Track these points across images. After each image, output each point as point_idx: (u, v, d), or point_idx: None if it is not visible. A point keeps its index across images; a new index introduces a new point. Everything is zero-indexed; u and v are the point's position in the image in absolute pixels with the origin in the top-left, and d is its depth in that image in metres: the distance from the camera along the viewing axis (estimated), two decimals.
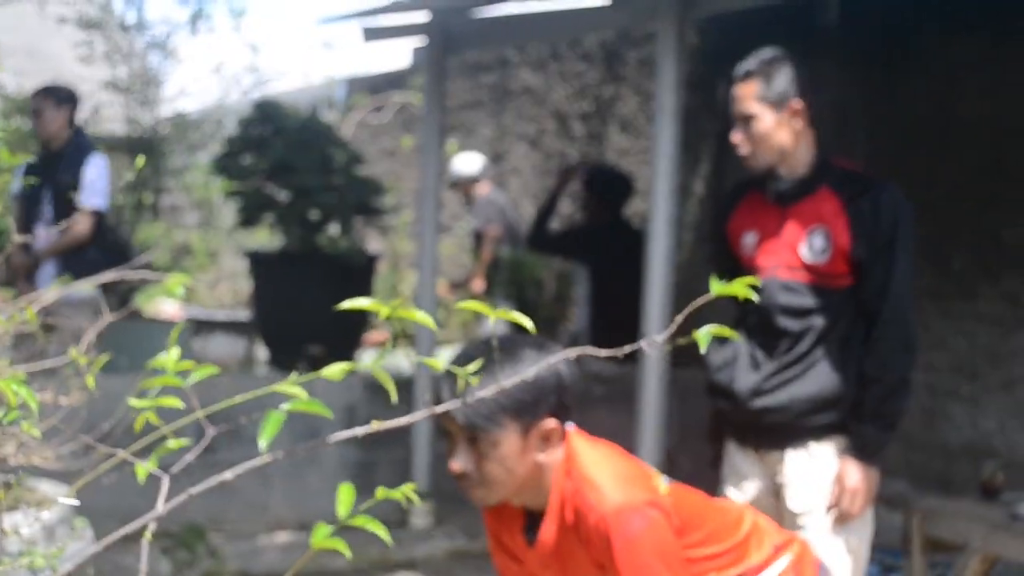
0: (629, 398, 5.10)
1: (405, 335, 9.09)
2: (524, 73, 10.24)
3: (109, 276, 2.95)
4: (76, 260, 6.70)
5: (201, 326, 8.96)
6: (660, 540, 2.51)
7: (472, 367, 2.25)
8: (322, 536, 1.48)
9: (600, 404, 6.01)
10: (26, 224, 6.79)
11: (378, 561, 5.89)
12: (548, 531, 2.62)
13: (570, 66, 9.71)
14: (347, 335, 7.79)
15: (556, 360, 2.40)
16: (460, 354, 2.64)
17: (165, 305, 11.62)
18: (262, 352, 8.78)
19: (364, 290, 7.96)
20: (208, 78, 13.22)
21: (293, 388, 1.63)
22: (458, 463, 2.56)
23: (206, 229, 11.98)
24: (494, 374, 2.37)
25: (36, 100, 7.06)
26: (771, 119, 3.62)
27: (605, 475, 2.58)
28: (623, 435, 5.10)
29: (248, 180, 8.03)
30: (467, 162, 9.50)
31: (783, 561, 2.77)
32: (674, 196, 4.87)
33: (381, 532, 1.51)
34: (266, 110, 8.33)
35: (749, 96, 3.63)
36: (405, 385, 6.86)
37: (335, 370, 1.64)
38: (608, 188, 7.52)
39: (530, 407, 2.54)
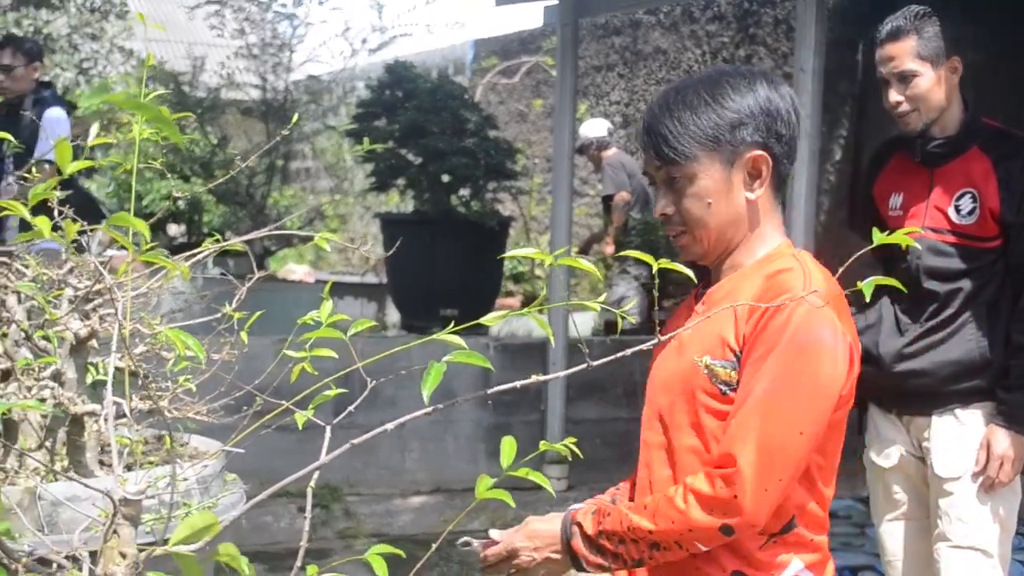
0: None
1: (535, 298, 9.10)
2: (656, 35, 10.14)
3: (250, 236, 2.99)
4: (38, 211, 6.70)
5: (331, 289, 9.07)
6: (827, 377, 2.16)
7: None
8: (485, 488, 1.48)
9: None
10: None
11: (513, 523, 5.91)
12: (726, 283, 2.32)
13: (703, 27, 9.60)
14: (479, 298, 7.82)
15: (762, 86, 2.26)
16: (667, 90, 2.36)
17: (294, 268, 11.79)
18: (392, 315, 8.87)
19: (496, 253, 7.98)
20: (336, 41, 13.32)
21: (452, 338, 1.62)
22: (659, 205, 2.33)
23: (337, 193, 12.11)
24: (691, 104, 2.25)
25: (6, 55, 7.05)
26: (931, 76, 3.53)
27: (822, 279, 2.24)
28: None
29: (380, 143, 8.09)
30: (594, 127, 9.45)
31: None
32: (815, 159, 4.79)
33: (545, 484, 1.52)
34: (397, 73, 8.38)
35: (906, 53, 3.54)
36: (538, 349, 6.86)
37: (493, 317, 1.64)
38: None
39: (728, 136, 2.24)
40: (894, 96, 3.58)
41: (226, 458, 2.59)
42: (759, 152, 2.25)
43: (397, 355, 1.78)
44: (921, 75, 3.52)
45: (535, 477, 1.51)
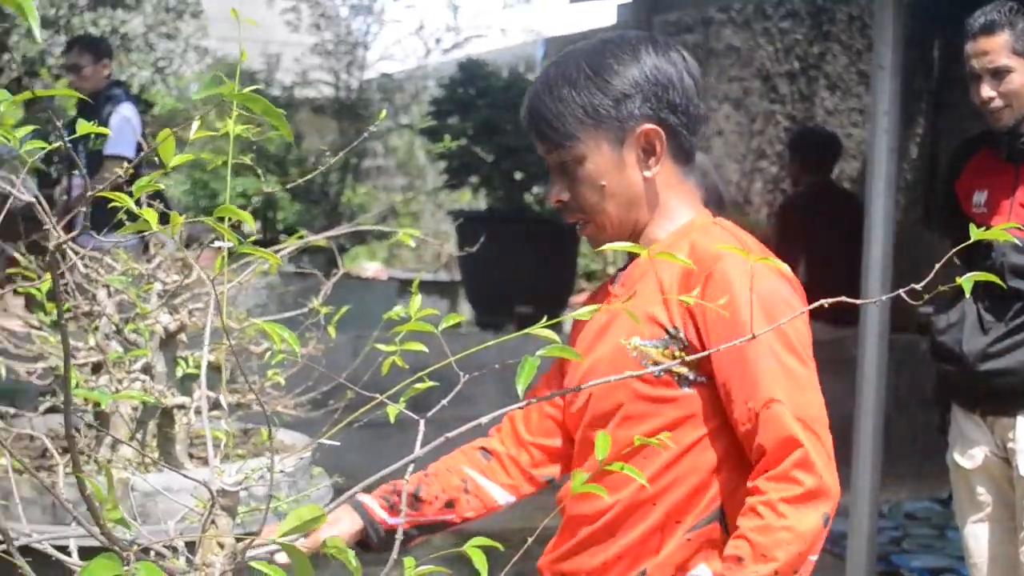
0: (843, 363, 4.99)
1: None
2: (727, 32, 10.09)
3: (334, 232, 3.02)
4: (102, 208, 6.81)
5: (405, 286, 9.12)
6: (802, 326, 1.99)
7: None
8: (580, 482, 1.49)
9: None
10: (68, 175, 6.97)
11: None
12: (642, 261, 2.12)
13: (776, 24, 9.53)
14: (554, 296, 7.82)
15: (648, 54, 2.08)
16: (549, 65, 2.18)
17: (367, 265, 11.86)
18: (465, 312, 8.89)
19: (571, 251, 7.99)
20: (410, 39, 13.39)
21: (545, 332, 1.62)
22: (552, 192, 2.16)
23: (408, 191, 12.17)
24: (571, 80, 2.08)
25: (73, 55, 7.11)
26: None
27: (754, 241, 2.10)
28: (839, 402, 5.02)
29: (453, 141, 8.11)
30: None
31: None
32: (893, 156, 4.74)
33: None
34: (470, 70, 8.40)
35: (1000, 48, 3.48)
36: None
37: (584, 311, 1.62)
38: (815, 149, 7.34)
39: (613, 112, 2.07)
40: (986, 92, 3.52)
41: (311, 453, 2.62)
42: (650, 126, 2.08)
43: (473, 352, 1.78)
44: (1015, 71, 3.47)
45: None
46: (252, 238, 1.59)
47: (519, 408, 2.15)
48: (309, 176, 2.63)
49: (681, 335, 2.00)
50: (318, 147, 9.58)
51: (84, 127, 1.25)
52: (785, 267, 1.81)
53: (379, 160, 12.96)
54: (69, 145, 1.26)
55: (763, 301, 1.93)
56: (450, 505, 2.22)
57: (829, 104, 8.96)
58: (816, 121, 8.84)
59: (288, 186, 2.89)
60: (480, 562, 1.40)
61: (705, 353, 1.92)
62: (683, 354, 1.97)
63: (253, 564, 1.36)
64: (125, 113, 6.90)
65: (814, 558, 1.90)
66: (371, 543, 2.16)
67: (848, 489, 4.50)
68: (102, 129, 1.28)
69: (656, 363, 2.00)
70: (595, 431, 1.98)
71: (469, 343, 1.79)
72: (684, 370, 2.01)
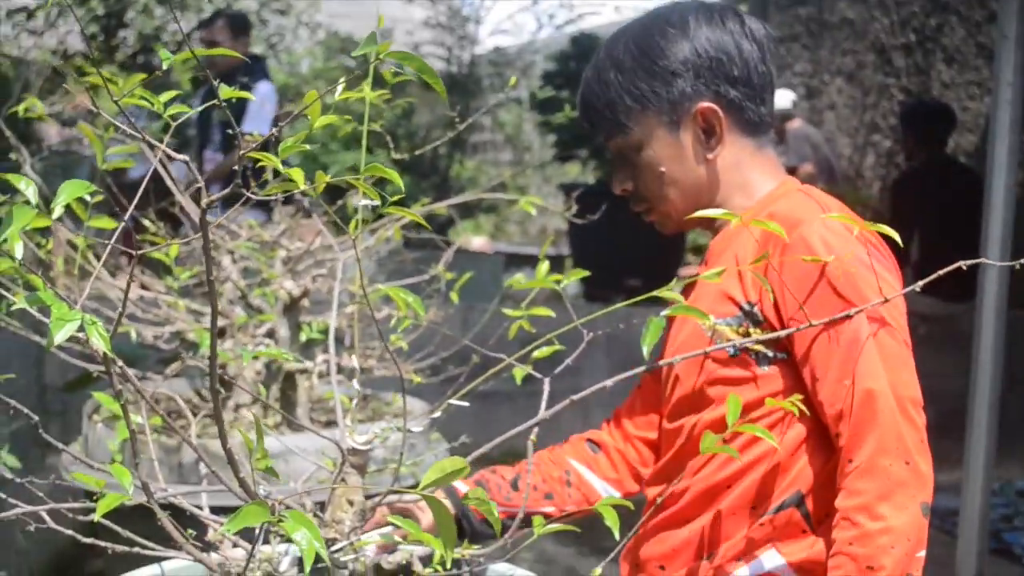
0: (957, 339, 4.92)
1: None
2: (842, 5, 9.95)
3: (452, 201, 3.05)
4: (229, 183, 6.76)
5: (511, 259, 9.15)
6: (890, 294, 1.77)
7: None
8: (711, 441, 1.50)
9: (925, 344, 5.83)
10: (198, 150, 6.99)
11: None
12: (725, 233, 2.00)
13: None
14: (662, 269, 7.80)
15: (701, 26, 1.95)
16: (601, 46, 2.07)
17: (473, 239, 11.92)
18: (572, 285, 8.90)
19: None
20: (522, 14, 13.39)
21: (671, 294, 1.63)
22: (616, 181, 2.05)
23: (517, 164, 12.22)
24: (618, 63, 1.97)
25: (211, 31, 7.12)
26: None
27: (839, 206, 1.92)
28: (950, 378, 4.96)
29: (563, 114, 8.13)
30: (779, 98, 9.33)
31: None
32: (1016, 127, 4.65)
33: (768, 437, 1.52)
34: (582, 44, 8.40)
35: None
36: None
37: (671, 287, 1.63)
38: (929, 123, 7.22)
39: (662, 93, 1.95)
40: None
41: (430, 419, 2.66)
42: (706, 104, 1.95)
43: (589, 319, 1.79)
44: None
45: (756, 432, 1.51)
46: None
47: (633, 384, 2.16)
48: (435, 144, 2.65)
49: (756, 311, 1.87)
50: (428, 120, 9.66)
51: (226, 92, 1.28)
52: (875, 232, 1.75)
53: (487, 134, 13.01)
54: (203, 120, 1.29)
55: (847, 269, 1.78)
56: (549, 497, 2.12)
57: (946, 77, 8.80)
58: (932, 94, 8.69)
59: (418, 151, 2.92)
60: (612, 520, 1.42)
61: (781, 333, 1.79)
62: (758, 331, 1.86)
63: (390, 519, 1.39)
64: (263, 91, 6.92)
65: (922, 554, 1.72)
66: (463, 531, 2.06)
67: (960, 467, 4.45)
68: (244, 94, 1.30)
69: (731, 341, 1.85)
70: (678, 419, 1.97)
71: (579, 315, 1.78)
72: (761, 347, 1.87)
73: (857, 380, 1.75)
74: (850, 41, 9.86)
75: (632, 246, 7.52)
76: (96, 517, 1.40)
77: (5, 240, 1.10)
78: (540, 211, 12.63)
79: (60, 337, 1.06)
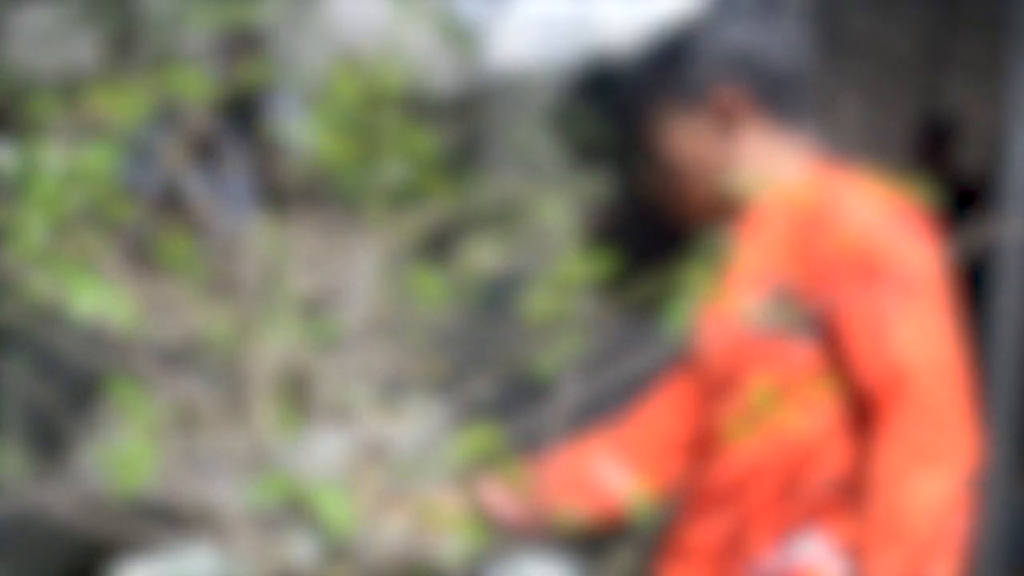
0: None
1: None
2: (857, 19, 9.95)
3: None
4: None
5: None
6: (920, 268, 1.74)
7: None
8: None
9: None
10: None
11: None
12: (755, 214, 1.91)
13: (907, 9, 9.37)
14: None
15: (720, 5, 1.92)
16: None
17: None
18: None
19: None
20: (535, 31, 13.40)
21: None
22: (642, 170, 1.99)
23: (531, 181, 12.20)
24: (643, 49, 1.94)
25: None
26: None
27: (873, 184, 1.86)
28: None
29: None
30: None
31: None
32: None
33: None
34: (595, 61, 8.41)
35: None
36: None
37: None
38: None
39: (678, 78, 1.88)
40: None
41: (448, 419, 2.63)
42: (726, 90, 1.88)
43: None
44: None
45: None
46: None
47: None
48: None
49: (788, 288, 1.81)
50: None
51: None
52: (906, 203, 1.72)
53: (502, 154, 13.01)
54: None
55: (881, 243, 1.75)
56: (572, 499, 2.00)
57: (964, 92, 8.79)
58: (949, 109, 8.67)
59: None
60: (643, 512, 1.39)
61: (816, 311, 1.76)
62: (791, 308, 1.80)
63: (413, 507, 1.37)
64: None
65: (959, 526, 1.70)
66: (487, 522, 1.91)
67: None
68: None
69: (766, 322, 1.80)
70: (712, 402, 1.91)
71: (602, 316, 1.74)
72: (797, 326, 1.81)
73: (896, 353, 1.72)
74: (865, 55, 9.85)
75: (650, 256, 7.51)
76: (113, 510, 1.37)
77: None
78: (555, 223, 12.63)
79: (86, 307, 1.03)
